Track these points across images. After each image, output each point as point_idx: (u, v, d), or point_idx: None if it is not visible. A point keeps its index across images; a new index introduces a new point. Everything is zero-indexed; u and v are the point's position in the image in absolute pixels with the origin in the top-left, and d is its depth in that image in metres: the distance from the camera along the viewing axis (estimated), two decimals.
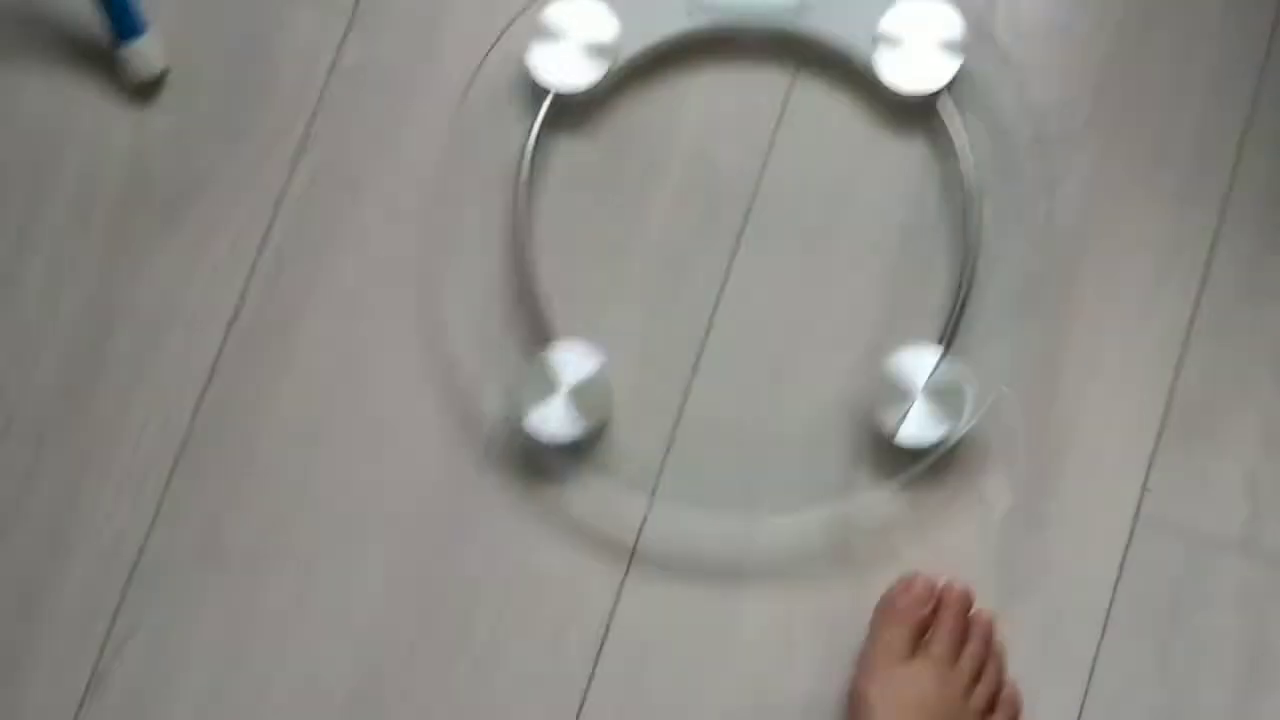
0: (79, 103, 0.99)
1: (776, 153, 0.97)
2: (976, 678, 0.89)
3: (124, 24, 0.96)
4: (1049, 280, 0.94)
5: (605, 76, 0.96)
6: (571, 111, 0.97)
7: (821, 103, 0.97)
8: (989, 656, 0.90)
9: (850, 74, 0.96)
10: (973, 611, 0.91)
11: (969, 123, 0.95)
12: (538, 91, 0.96)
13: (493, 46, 0.97)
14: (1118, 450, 0.93)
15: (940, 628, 0.89)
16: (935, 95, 0.95)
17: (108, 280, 0.97)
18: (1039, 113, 0.95)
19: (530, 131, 0.96)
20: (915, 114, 0.96)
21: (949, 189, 0.95)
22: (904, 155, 0.96)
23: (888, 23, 0.94)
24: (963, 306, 0.93)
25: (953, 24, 0.94)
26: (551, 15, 0.95)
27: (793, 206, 0.96)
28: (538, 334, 0.94)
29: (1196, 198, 0.95)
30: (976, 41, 0.95)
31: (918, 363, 0.91)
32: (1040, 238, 0.94)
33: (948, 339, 0.92)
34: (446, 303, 0.95)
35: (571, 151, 0.97)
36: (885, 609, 0.90)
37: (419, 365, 0.95)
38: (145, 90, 0.98)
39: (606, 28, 0.95)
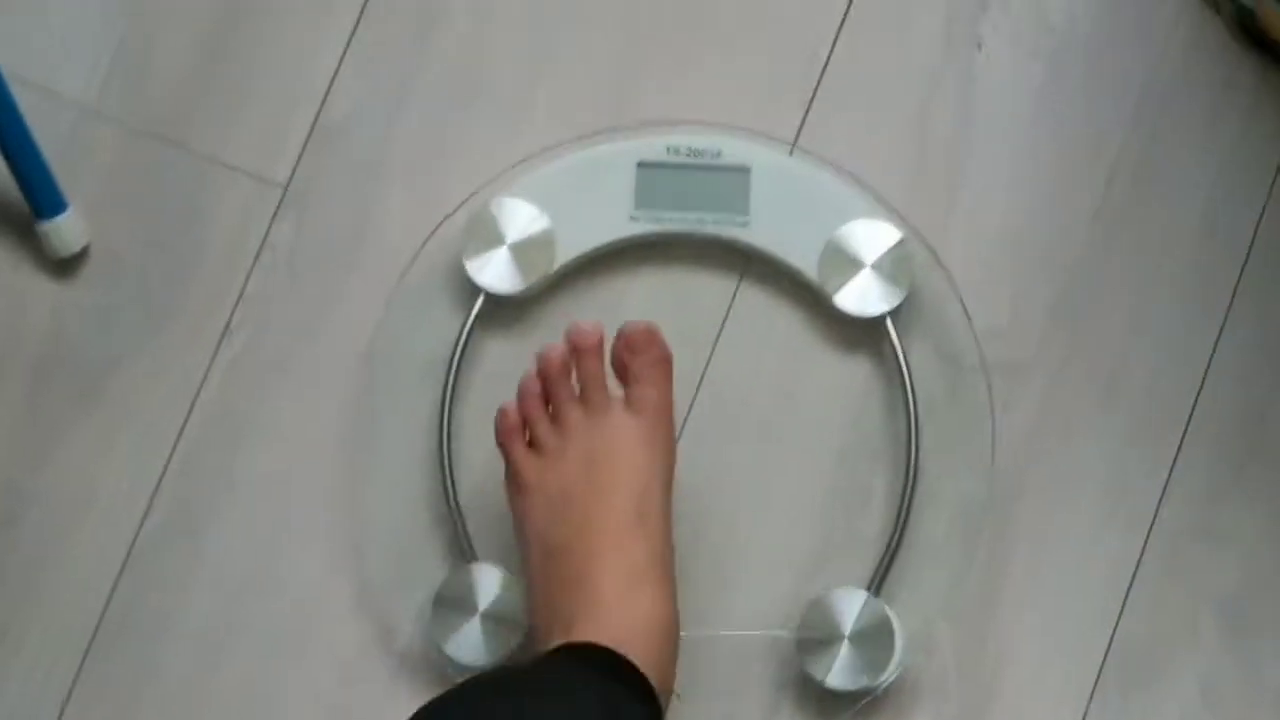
0: None
1: (716, 361, 0.94)
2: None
3: (42, 201, 0.93)
4: (989, 512, 0.91)
5: (541, 280, 0.92)
6: (506, 308, 0.93)
7: (765, 313, 0.94)
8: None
9: (796, 287, 0.93)
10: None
11: (915, 345, 0.92)
12: (470, 287, 0.93)
13: (424, 244, 0.93)
14: (1053, 695, 0.91)
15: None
16: (881, 316, 0.91)
17: (19, 459, 0.94)
18: (988, 337, 0.92)
19: (460, 331, 0.93)
20: (861, 331, 0.92)
21: (892, 411, 0.92)
22: (847, 373, 0.94)
23: (836, 241, 0.91)
24: (898, 541, 0.90)
25: (902, 247, 0.91)
26: (487, 214, 0.92)
27: (730, 419, 0.93)
28: (457, 550, 0.91)
29: (1149, 435, 0.92)
30: (926, 265, 0.92)
31: (846, 605, 0.88)
32: (982, 468, 0.91)
33: (880, 576, 0.89)
34: (365, 508, 0.93)
35: (503, 352, 0.94)
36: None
37: (333, 572, 0.93)
38: (66, 265, 0.95)
39: (543, 231, 0.92)
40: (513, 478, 0.87)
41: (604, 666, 0.78)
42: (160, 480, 0.93)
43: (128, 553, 0.93)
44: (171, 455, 0.94)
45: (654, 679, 0.79)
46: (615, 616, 0.82)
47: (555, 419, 0.87)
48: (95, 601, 0.93)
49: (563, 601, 0.83)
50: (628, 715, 0.77)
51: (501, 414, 0.87)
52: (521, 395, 0.87)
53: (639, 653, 0.79)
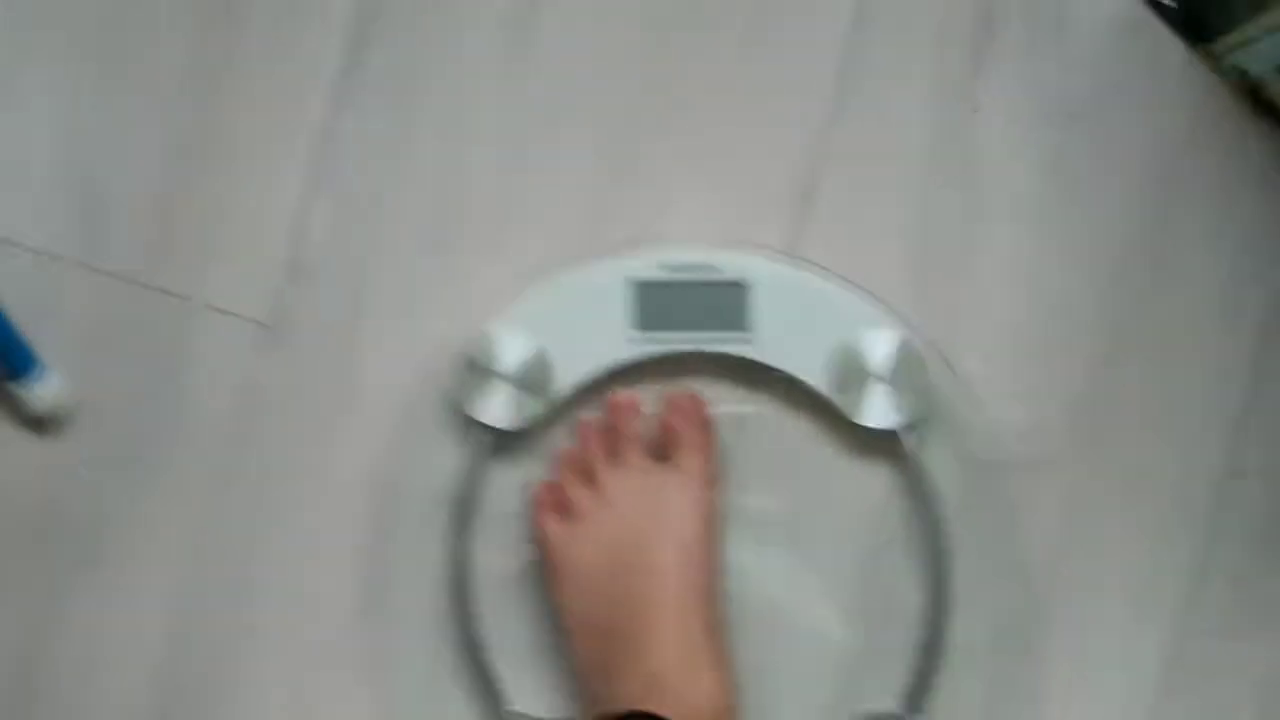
0: None
1: (732, 481, 0.91)
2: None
3: (14, 363, 0.89)
4: (1021, 615, 0.89)
5: (542, 413, 0.89)
6: (509, 437, 0.90)
7: (778, 426, 0.91)
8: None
9: (808, 399, 0.90)
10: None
11: (935, 449, 0.89)
12: (470, 422, 0.89)
13: (418, 386, 0.90)
14: None
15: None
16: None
17: (29, 631, 0.91)
18: (1008, 436, 0.89)
19: (465, 468, 0.90)
20: (879, 440, 0.89)
21: (917, 517, 0.90)
22: (868, 481, 0.91)
23: (844, 353, 0.88)
24: (930, 657, 0.88)
25: (911, 354, 0.88)
26: (481, 347, 0.88)
27: (751, 535, 0.90)
28: (486, 690, 0.89)
29: (1178, 528, 0.90)
30: (938, 368, 0.89)
31: None
32: (1013, 570, 0.89)
33: (915, 695, 0.88)
34: (388, 654, 0.90)
35: (508, 481, 0.91)
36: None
37: (361, 704, 0.91)
38: (49, 423, 0.91)
39: (540, 360, 0.88)
40: (546, 554, 0.85)
41: None
42: (167, 639, 0.91)
43: (145, 699, 0.91)
44: (175, 611, 0.91)
45: None
46: (675, 700, 0.79)
47: (591, 483, 0.84)
48: None
49: (617, 687, 0.81)
50: None
51: (533, 489, 0.85)
52: (556, 464, 0.85)
53: None
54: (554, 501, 0.86)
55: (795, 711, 0.90)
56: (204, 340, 0.91)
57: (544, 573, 0.86)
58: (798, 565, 0.91)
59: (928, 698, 0.88)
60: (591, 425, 0.86)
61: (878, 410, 0.88)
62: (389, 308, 0.91)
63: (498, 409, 0.88)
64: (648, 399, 0.89)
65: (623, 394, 0.87)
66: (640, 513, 0.84)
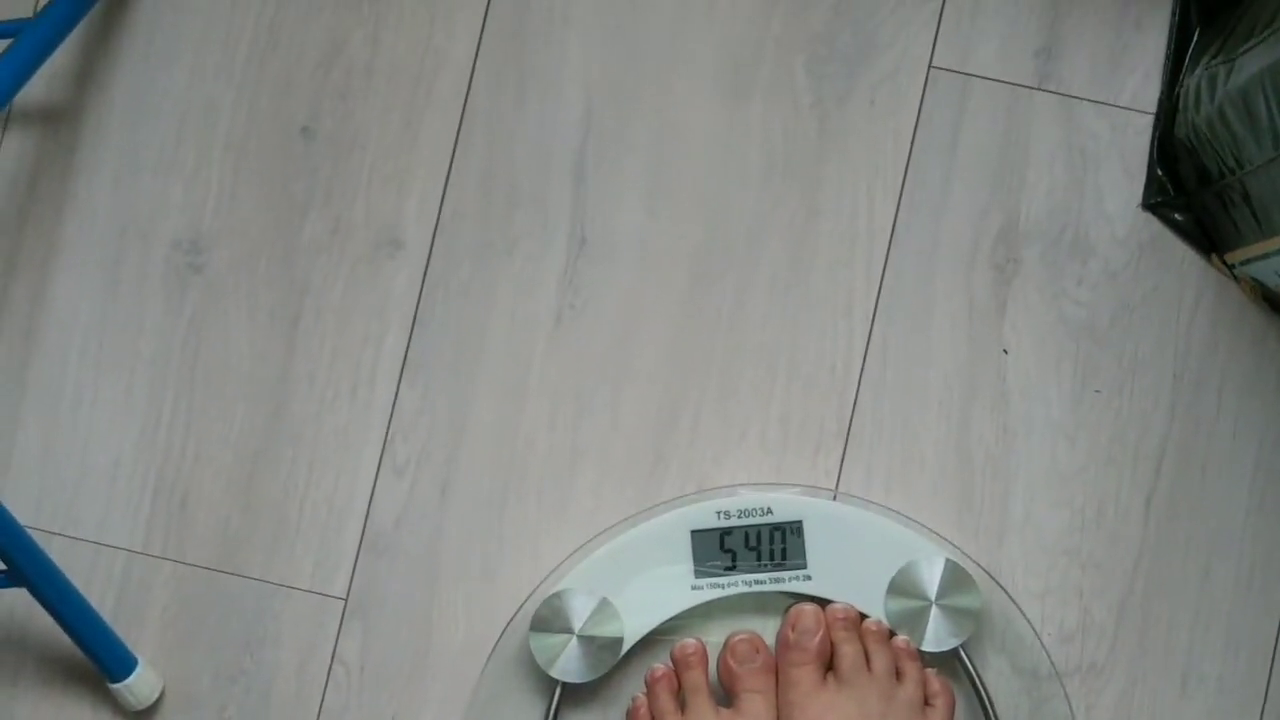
0: None
1: None
2: (897, 677, 0.89)
3: (111, 665, 0.94)
4: None
5: (611, 664, 0.93)
6: (581, 687, 0.94)
7: None
8: (900, 656, 0.90)
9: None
10: (864, 624, 0.91)
11: (989, 662, 0.93)
12: (546, 676, 0.94)
13: (496, 644, 0.94)
14: None
15: (839, 646, 0.89)
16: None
17: None
18: (1059, 644, 0.93)
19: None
20: (938, 659, 0.93)
21: None
22: None
23: (898, 583, 0.92)
24: None
25: (961, 576, 0.92)
26: (552, 607, 0.93)
27: None
28: None
29: (1228, 718, 0.93)
30: (987, 585, 0.93)
31: None
32: None
33: None
34: None
35: None
36: (780, 650, 0.90)
37: None
38: (146, 713, 0.96)
39: (609, 615, 0.93)
40: None
41: None
42: None
43: None
44: None
45: None
46: None
47: None
48: None
49: None
50: None
51: None
52: (630, 717, 0.90)
53: None
54: None
55: None
56: (284, 619, 0.96)
57: None
58: None
59: None
60: (659, 676, 0.90)
61: (935, 634, 0.92)
62: (461, 572, 0.96)
63: (572, 663, 0.93)
64: (711, 638, 0.93)
65: (687, 644, 0.91)
66: None
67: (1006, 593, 0.93)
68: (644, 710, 0.90)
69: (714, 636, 0.94)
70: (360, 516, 0.96)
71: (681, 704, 0.90)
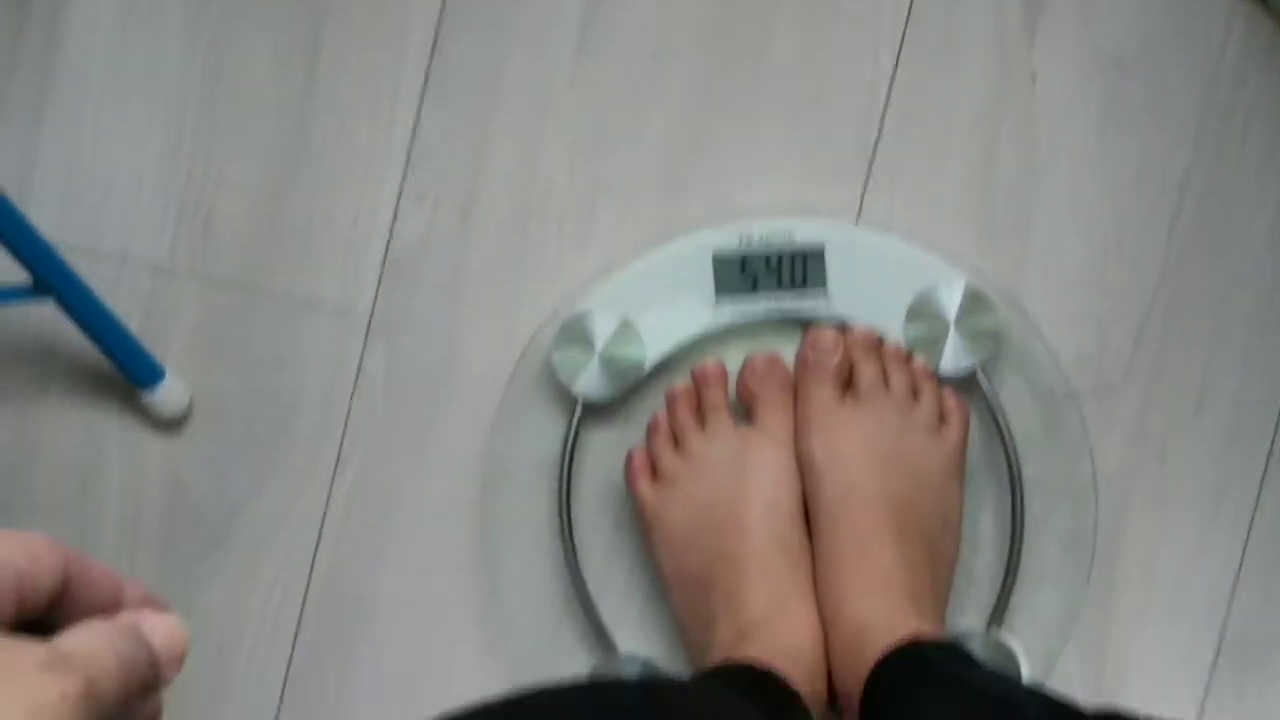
0: (108, 439, 0.98)
1: None
2: (913, 397, 0.92)
3: (139, 374, 0.95)
4: (1096, 533, 0.95)
5: (635, 383, 0.95)
6: (603, 406, 0.96)
7: None
8: (918, 376, 0.92)
9: None
10: (884, 346, 0.93)
11: (1006, 383, 0.94)
12: (568, 395, 0.95)
13: (517, 364, 0.95)
14: (1171, 692, 0.96)
15: (858, 366, 0.92)
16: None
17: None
18: (1077, 366, 0.95)
19: (565, 436, 0.95)
20: (956, 382, 0.95)
21: (991, 450, 0.95)
22: None
23: (917, 306, 0.93)
24: (1010, 577, 0.94)
25: (981, 300, 0.93)
26: (574, 326, 0.94)
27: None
28: (596, 638, 0.96)
29: (1242, 436, 0.96)
30: (1008, 308, 0.94)
31: (968, 645, 0.93)
32: (1085, 492, 0.95)
33: (997, 612, 0.94)
34: (502, 610, 0.97)
35: (607, 445, 0.97)
36: (800, 370, 0.92)
37: (481, 676, 0.98)
38: (175, 422, 0.98)
39: (631, 335, 0.94)
40: (643, 516, 0.92)
41: (759, 685, 0.82)
42: (300, 615, 0.98)
43: (282, 688, 0.98)
44: (307, 590, 0.98)
45: (807, 695, 0.83)
46: (765, 640, 0.85)
47: (681, 449, 0.91)
48: (267, 716, 0.98)
49: (714, 634, 0.88)
50: None
51: (628, 457, 0.92)
52: (649, 432, 0.92)
53: (792, 671, 0.83)
54: (647, 467, 0.92)
55: None
56: (310, 334, 0.97)
57: (642, 532, 0.93)
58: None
59: (1009, 614, 0.94)
60: (679, 394, 0.92)
61: (953, 356, 0.93)
62: (484, 294, 0.97)
63: (593, 382, 0.94)
64: (732, 364, 0.94)
65: (707, 363, 0.92)
66: (726, 474, 0.90)
67: (1025, 316, 0.94)
68: (664, 425, 0.92)
69: (734, 361, 0.95)
70: (383, 238, 0.97)
71: (701, 420, 0.92)
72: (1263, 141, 0.94)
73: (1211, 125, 0.94)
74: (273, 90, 0.96)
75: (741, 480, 0.90)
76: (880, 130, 0.95)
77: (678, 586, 0.90)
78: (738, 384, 0.93)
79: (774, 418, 0.91)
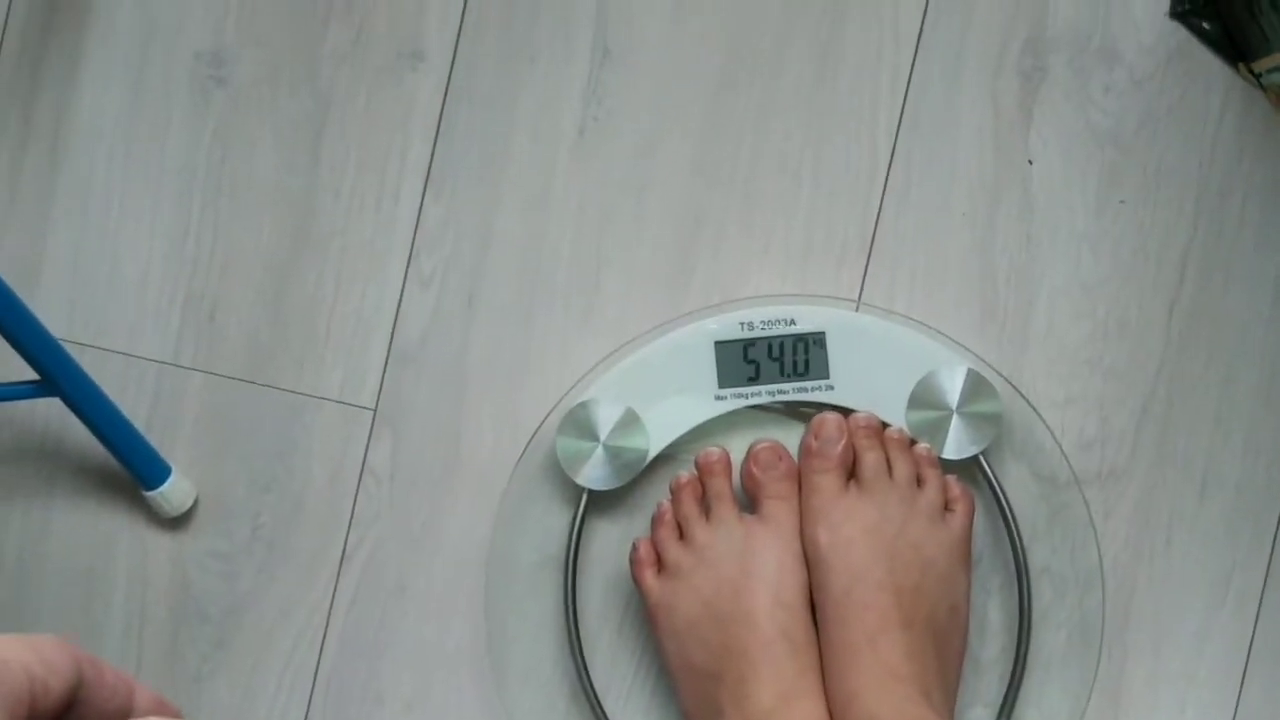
0: (114, 536, 0.98)
1: None
2: (918, 484, 0.91)
3: (145, 474, 0.95)
4: (1099, 621, 0.94)
5: (638, 473, 0.95)
6: (608, 495, 0.96)
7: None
8: (921, 463, 0.92)
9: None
10: (886, 433, 0.92)
11: (1010, 470, 0.94)
12: (573, 486, 0.95)
13: (523, 452, 0.96)
14: None
15: (861, 454, 0.91)
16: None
17: None
18: (1079, 451, 0.95)
19: (570, 527, 0.95)
20: (956, 466, 0.95)
21: (996, 538, 0.95)
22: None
23: (920, 392, 0.93)
24: (1019, 667, 0.94)
25: (983, 385, 0.93)
26: (578, 417, 0.94)
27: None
28: None
29: (1247, 520, 0.95)
30: (1009, 393, 0.94)
31: None
32: (1091, 580, 0.94)
33: (1007, 705, 0.93)
34: (511, 703, 0.96)
35: (610, 535, 0.97)
36: (804, 458, 0.92)
37: None
38: (180, 519, 0.98)
39: (635, 425, 0.94)
40: (648, 607, 0.92)
41: None
42: (307, 714, 0.97)
43: None
44: (313, 689, 0.97)
45: None
46: None
47: (686, 539, 0.91)
48: None
49: (717, 717, 0.87)
50: None
51: (633, 548, 0.92)
52: (654, 523, 0.92)
53: None
54: (653, 558, 0.92)
55: None
56: (315, 429, 0.98)
57: (648, 623, 0.93)
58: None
59: (1018, 706, 0.94)
60: (684, 484, 0.92)
61: (956, 442, 0.93)
62: (489, 383, 0.97)
63: (598, 472, 0.94)
64: (735, 452, 0.94)
65: (711, 452, 0.92)
66: (732, 564, 0.90)
67: (1028, 401, 0.94)
68: (669, 515, 0.92)
69: (738, 449, 0.95)
70: (387, 328, 0.97)
71: (706, 510, 0.92)
72: (1260, 218, 0.95)
73: (1209, 203, 0.95)
74: (276, 178, 0.97)
75: (747, 571, 0.90)
76: (879, 215, 0.95)
77: (684, 679, 0.90)
78: (742, 473, 0.93)
79: (779, 507, 0.91)
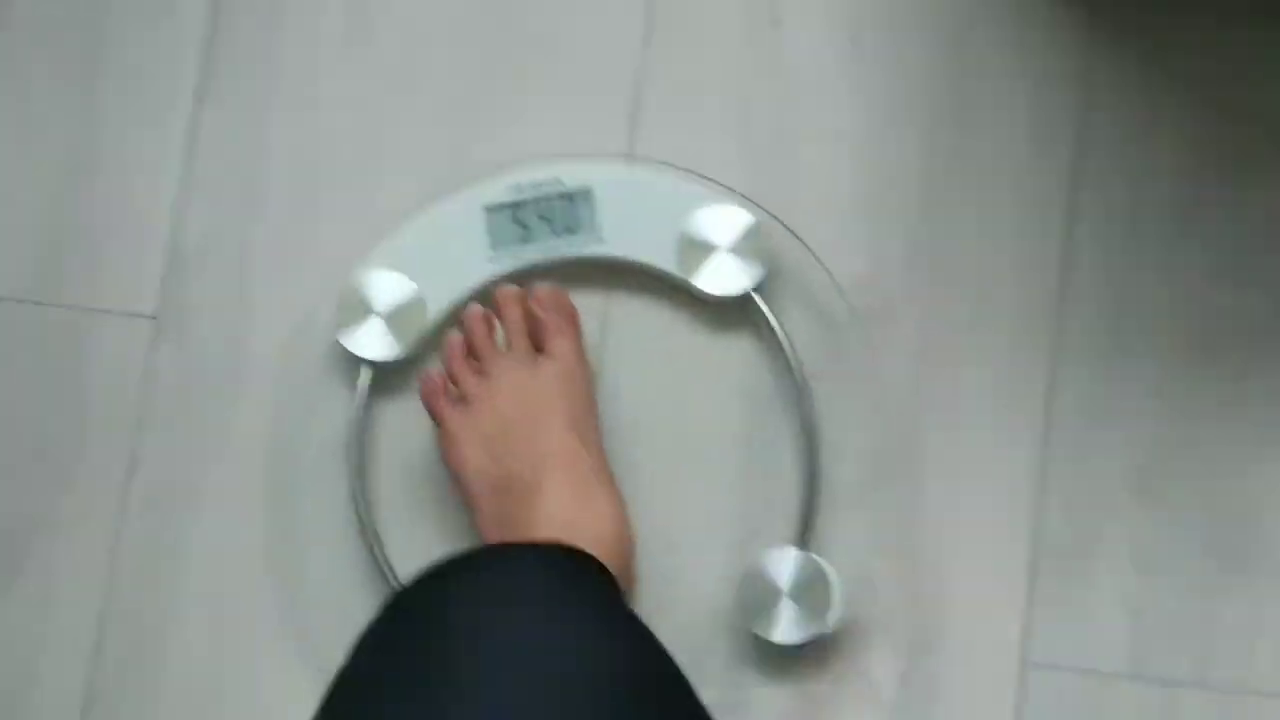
0: None
1: (605, 373, 0.97)
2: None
3: None
4: (894, 452, 0.95)
5: (418, 339, 0.95)
6: (393, 374, 0.96)
7: (639, 316, 0.98)
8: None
9: (664, 286, 0.97)
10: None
11: (789, 313, 0.96)
12: (355, 362, 0.95)
13: (298, 343, 0.97)
14: (994, 603, 0.94)
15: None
16: (749, 293, 0.95)
17: None
18: (855, 290, 0.96)
19: (354, 403, 0.95)
20: (735, 313, 0.96)
21: (781, 379, 0.96)
22: (730, 353, 0.97)
23: (687, 232, 0.95)
24: (813, 498, 0.93)
25: (750, 223, 0.95)
26: (352, 290, 0.95)
27: (631, 425, 0.96)
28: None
29: (1025, 343, 0.96)
30: (780, 236, 0.96)
31: (779, 565, 0.91)
32: (877, 411, 0.95)
33: (804, 534, 0.93)
34: (306, 589, 0.94)
35: (399, 409, 0.97)
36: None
37: (288, 652, 0.95)
38: None
39: (410, 293, 0.95)
40: (444, 434, 0.91)
41: (564, 561, 0.80)
42: (100, 626, 0.95)
43: (86, 691, 0.95)
44: (108, 598, 0.95)
45: (619, 575, 0.84)
46: (571, 527, 0.85)
47: (480, 369, 0.92)
48: None
49: (517, 526, 0.87)
50: (590, 584, 0.80)
51: (424, 379, 0.92)
52: (446, 354, 0.92)
53: (599, 554, 0.82)
54: (441, 387, 0.92)
55: (698, 566, 0.95)
56: (96, 342, 0.98)
57: (440, 448, 0.92)
58: (678, 444, 0.97)
59: (817, 537, 0.93)
60: (476, 313, 0.93)
61: (724, 278, 0.95)
62: (268, 280, 0.99)
63: (376, 342, 0.95)
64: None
65: (507, 285, 0.94)
66: (526, 388, 0.91)
67: (800, 239, 0.96)
68: (459, 347, 0.92)
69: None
70: (165, 235, 0.99)
71: (482, 359, 0.92)
72: (1008, 55, 0.98)
73: (958, 46, 0.99)
74: (50, 107, 0.99)
75: (540, 393, 0.91)
76: (644, 69, 0.99)
77: (482, 502, 0.89)
78: (528, 315, 0.94)
79: (561, 341, 0.92)
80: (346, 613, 0.91)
